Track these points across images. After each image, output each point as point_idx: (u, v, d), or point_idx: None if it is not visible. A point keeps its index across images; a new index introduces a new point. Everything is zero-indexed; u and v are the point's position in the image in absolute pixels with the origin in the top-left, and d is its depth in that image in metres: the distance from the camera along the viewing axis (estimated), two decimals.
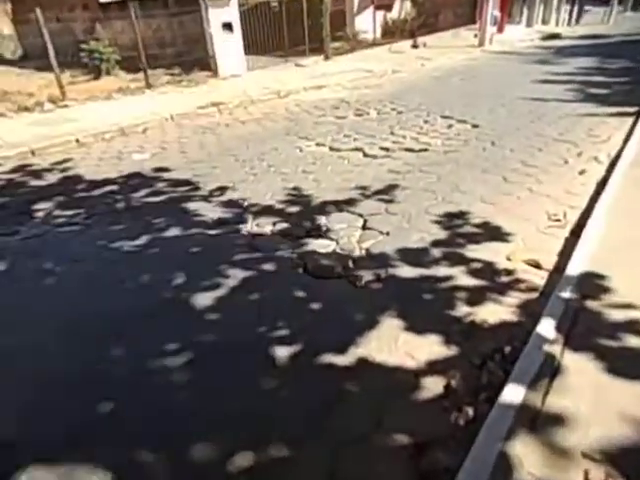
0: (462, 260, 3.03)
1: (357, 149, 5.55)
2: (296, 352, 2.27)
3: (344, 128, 6.56)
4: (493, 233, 3.37)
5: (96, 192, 4.80)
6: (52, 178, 5.37)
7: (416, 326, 2.43)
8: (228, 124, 7.42)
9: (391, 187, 4.33)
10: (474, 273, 2.88)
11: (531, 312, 2.48)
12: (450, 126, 6.28)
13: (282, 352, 2.27)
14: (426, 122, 6.55)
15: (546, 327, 2.20)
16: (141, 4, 13.54)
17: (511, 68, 10.86)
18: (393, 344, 2.32)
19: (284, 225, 3.70)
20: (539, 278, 2.81)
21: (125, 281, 2.95)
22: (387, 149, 5.43)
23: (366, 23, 14.61)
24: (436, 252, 3.14)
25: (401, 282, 2.82)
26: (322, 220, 3.75)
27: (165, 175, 5.17)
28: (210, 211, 4.07)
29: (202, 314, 2.60)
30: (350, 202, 4.05)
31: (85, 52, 11.56)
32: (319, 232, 3.55)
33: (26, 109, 8.37)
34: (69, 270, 3.19)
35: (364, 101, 8.23)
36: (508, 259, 3.02)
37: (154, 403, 2.03)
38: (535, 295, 2.65)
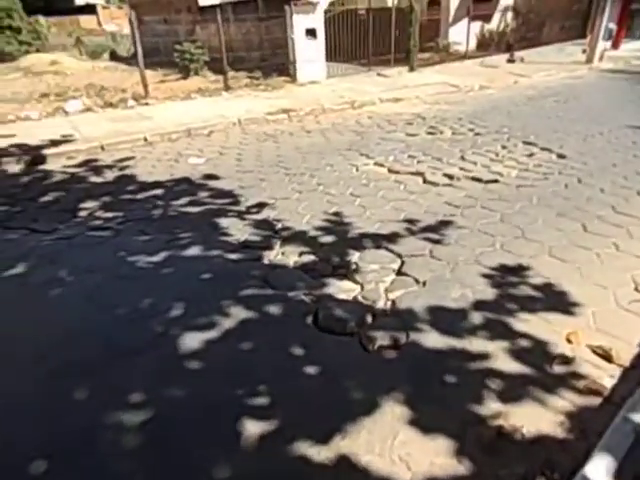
0: (507, 333, 2.45)
1: (418, 173, 5.02)
2: (268, 432, 1.88)
3: (411, 147, 6.03)
4: (555, 301, 2.72)
5: (141, 195, 4.77)
6: (109, 176, 5.47)
7: (424, 421, 1.92)
8: (292, 133, 7.20)
9: (444, 224, 3.77)
10: (518, 354, 2.29)
11: (584, 429, 1.87)
12: (531, 155, 5.50)
13: (252, 429, 1.89)
14: (504, 148, 5.81)
15: (599, 468, 1.59)
16: (235, 8, 13.96)
17: (621, 90, 9.55)
18: (389, 441, 1.84)
19: (310, 257, 3.32)
20: (607, 376, 2.15)
21: (123, 305, 2.75)
22: (451, 176, 4.84)
23: (461, 34, 13.76)
24: (476, 317, 2.58)
25: (422, 353, 2.31)
26: (354, 256, 3.32)
27: (211, 183, 5.02)
28: (239, 231, 3.80)
29: (184, 360, 2.29)
30: (392, 238, 3.57)
31: (178, 52, 12.05)
32: (346, 271, 3.12)
33: (111, 105, 8.81)
34: (76, 282, 3.07)
35: (441, 118, 7.61)
36: (568, 340, 2.38)
37: (89, 472, 1.75)
38: (596, 401, 2.02)
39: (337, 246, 3.48)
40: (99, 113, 8.36)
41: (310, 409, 1.98)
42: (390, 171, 5.17)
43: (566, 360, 2.23)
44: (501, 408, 1.98)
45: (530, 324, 2.51)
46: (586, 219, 3.77)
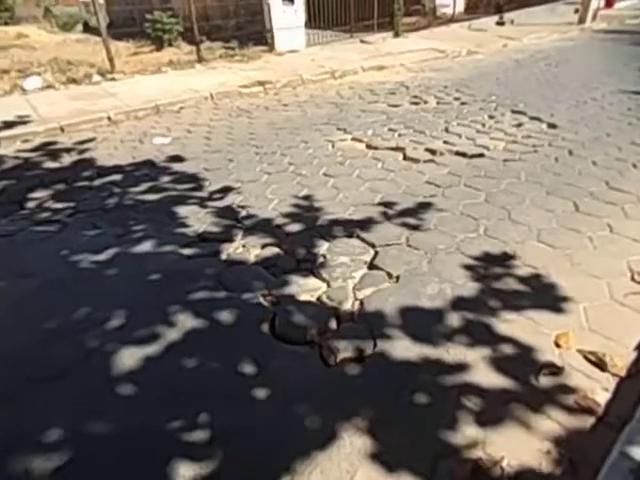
0: (488, 337, 2.15)
1: (398, 148, 4.64)
2: (202, 477, 1.58)
3: (393, 120, 5.62)
4: (543, 296, 2.42)
5: (97, 182, 4.37)
6: (66, 161, 5.04)
7: (388, 455, 1.64)
8: (268, 107, 6.74)
9: (423, 206, 3.43)
10: (500, 364, 2.00)
11: (575, 460, 1.59)
12: (520, 125, 5.13)
13: (185, 473, 1.59)
14: (491, 117, 5.42)
15: None
16: None
17: (615, 52, 9.09)
18: None
19: (273, 250, 2.98)
20: (600, 388, 1.87)
21: (54, 316, 2.41)
22: (434, 151, 4.47)
23: None
24: (454, 318, 2.27)
25: (390, 366, 2.01)
26: (322, 248, 2.98)
27: (175, 166, 4.62)
28: (198, 220, 3.44)
29: (114, 384, 1.98)
30: (365, 224, 3.23)
31: (149, 22, 11.32)
32: (312, 266, 2.79)
33: (74, 81, 8.22)
34: (6, 289, 2.72)
35: (426, 87, 7.16)
36: (557, 344, 2.09)
37: None
38: (589, 422, 1.74)
39: (304, 236, 3.14)
40: (61, 90, 7.79)
41: (255, 445, 1.68)
42: (368, 147, 4.79)
43: (554, 370, 1.95)
44: (479, 434, 1.70)
45: (514, 325, 2.21)
46: (577, 197, 3.44)
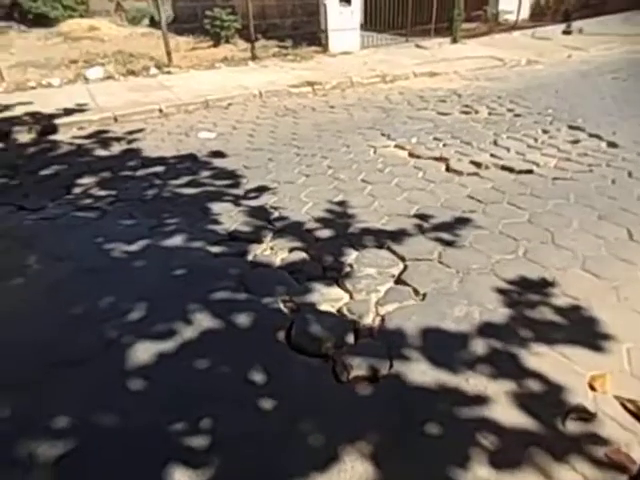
0: (514, 370, 2.00)
1: (442, 159, 4.48)
2: None
3: (440, 128, 5.45)
4: (581, 330, 2.23)
5: (141, 172, 4.50)
6: (115, 149, 5.23)
7: None
8: (314, 108, 6.72)
9: (460, 221, 3.28)
10: (524, 401, 1.85)
11: None
12: (576, 141, 4.82)
13: (180, 478, 1.57)
14: (545, 132, 5.14)
15: None
16: None
17: None
18: None
19: (301, 255, 2.94)
20: (637, 442, 1.69)
21: (80, 303, 2.47)
22: (479, 164, 4.28)
23: (512, 2, 12.56)
24: (480, 345, 2.14)
25: (404, 391, 1.90)
26: (350, 257, 2.91)
27: (216, 162, 4.68)
28: (231, 218, 3.45)
29: (127, 377, 2.00)
30: (398, 236, 3.12)
31: (208, 19, 11.61)
32: (337, 275, 2.72)
33: (133, 73, 8.55)
34: (40, 273, 2.83)
35: (479, 96, 6.91)
36: (591, 387, 1.91)
37: None
38: None
39: (334, 243, 3.08)
40: (120, 81, 8.12)
41: (253, 459, 1.64)
42: (411, 155, 4.65)
43: (585, 415, 1.78)
44: (491, 476, 1.57)
45: (545, 360, 2.05)
46: (633, 224, 3.18)
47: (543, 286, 2.55)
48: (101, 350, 2.15)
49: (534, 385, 1.92)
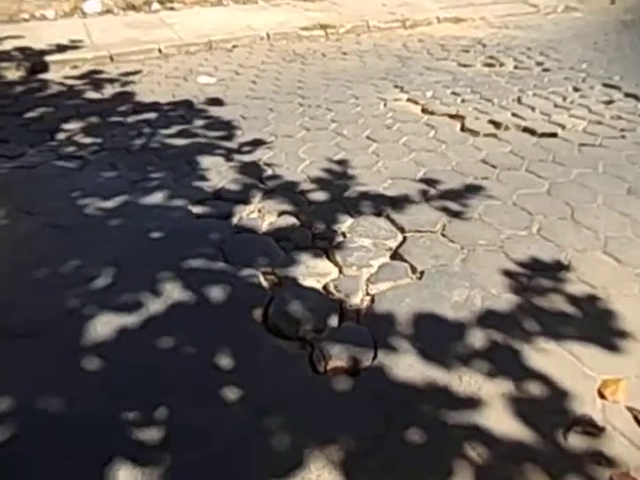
0: (514, 368, 1.77)
1: (457, 116, 4.07)
2: None
3: (459, 82, 4.97)
4: (596, 325, 1.97)
5: (131, 119, 4.18)
6: (107, 92, 4.89)
7: None
8: (325, 54, 6.21)
9: (471, 189, 2.96)
10: (522, 407, 1.63)
11: None
12: (610, 102, 4.34)
13: (124, 479, 1.40)
14: (576, 90, 4.64)
15: None
16: None
17: None
18: None
19: (290, 220, 2.67)
20: None
21: (45, 265, 2.27)
22: (498, 124, 3.87)
23: None
24: (478, 337, 1.90)
25: (386, 387, 1.69)
26: (344, 224, 2.64)
27: (212, 110, 4.34)
28: (219, 174, 3.17)
29: (83, 354, 1.81)
30: (399, 202, 2.82)
31: None
32: (328, 244, 2.46)
33: (133, 7, 7.97)
34: (10, 227, 2.62)
35: (506, 46, 6.30)
36: (601, 394, 1.67)
37: None
38: None
39: (328, 207, 2.80)
40: (119, 16, 7.58)
41: (207, 459, 1.46)
42: (424, 111, 4.24)
43: (591, 428, 1.55)
44: None
45: (551, 359, 1.81)
46: None
47: (556, 269, 2.27)
48: (59, 321, 1.95)
49: (535, 388, 1.69)
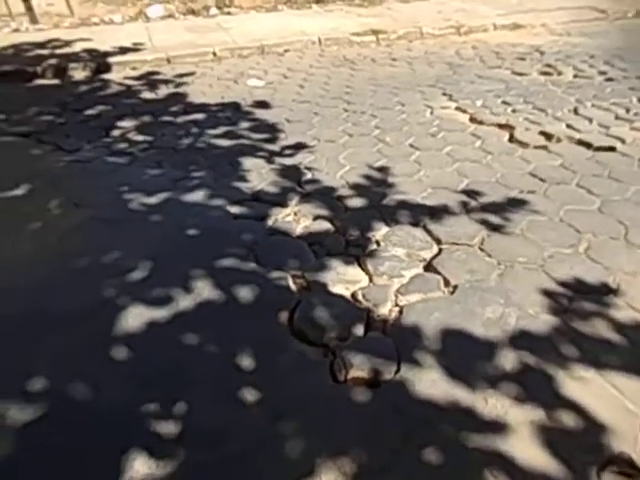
0: (546, 395, 1.66)
1: (507, 126, 3.92)
2: (155, 478, 1.41)
3: (511, 91, 4.80)
4: None
5: (180, 119, 4.33)
6: (161, 92, 5.10)
7: None
8: (375, 60, 6.18)
9: (515, 203, 2.83)
10: (551, 437, 1.52)
11: None
12: None
13: (138, 469, 1.43)
14: None
15: None
16: None
17: None
18: None
19: (324, 225, 2.66)
20: None
21: (87, 255, 2.38)
22: (550, 136, 3.69)
23: None
24: (509, 358, 1.80)
25: (407, 403, 1.63)
26: (379, 232, 2.59)
27: (258, 113, 4.41)
28: (259, 176, 3.21)
29: (112, 343, 1.87)
30: (438, 213, 2.75)
31: None
32: (361, 252, 2.43)
33: (193, 12, 8.29)
34: (59, 218, 2.77)
35: (566, 54, 6.02)
36: None
37: None
38: None
39: (364, 214, 2.76)
40: (179, 21, 7.91)
41: (220, 459, 1.46)
42: (472, 120, 4.12)
43: (628, 469, 1.43)
44: None
45: (589, 388, 1.69)
46: None
47: (603, 293, 2.12)
48: (94, 310, 2.04)
49: (569, 419, 1.58)
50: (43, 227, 2.68)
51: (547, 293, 2.12)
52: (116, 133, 4.06)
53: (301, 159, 3.47)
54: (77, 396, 1.67)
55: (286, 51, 6.61)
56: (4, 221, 2.76)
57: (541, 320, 1.98)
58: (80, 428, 1.56)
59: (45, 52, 6.24)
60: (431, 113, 4.30)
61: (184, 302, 2.07)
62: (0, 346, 1.88)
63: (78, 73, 5.77)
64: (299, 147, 3.67)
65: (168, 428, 1.54)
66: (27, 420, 1.58)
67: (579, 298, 2.09)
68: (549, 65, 5.57)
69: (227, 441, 1.51)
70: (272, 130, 4.02)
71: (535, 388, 1.69)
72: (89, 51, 6.33)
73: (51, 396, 1.66)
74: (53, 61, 5.85)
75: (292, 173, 3.26)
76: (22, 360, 1.81)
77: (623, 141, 3.57)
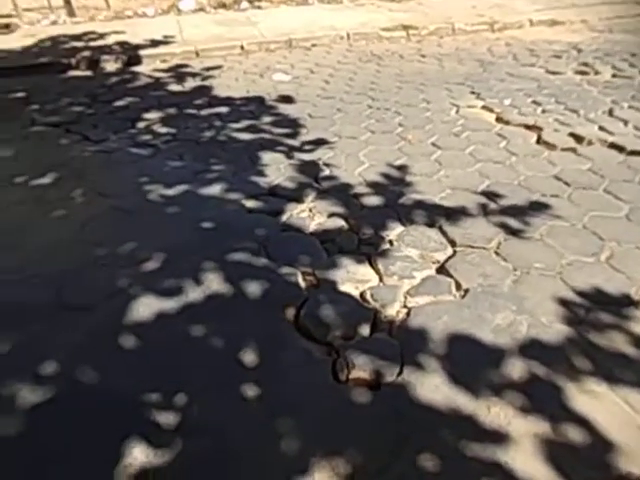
0: (553, 408, 1.61)
1: (534, 127, 3.80)
2: (153, 466, 1.44)
3: (544, 89, 4.64)
4: None
5: (205, 112, 4.39)
6: (188, 85, 5.17)
7: None
8: (403, 56, 6.09)
9: (536, 207, 2.74)
10: (556, 452, 1.47)
11: None
12: None
13: (136, 456, 1.46)
14: None
15: None
16: None
17: None
18: None
19: (338, 223, 2.65)
20: None
21: (105, 245, 2.45)
22: (580, 138, 3.56)
23: None
24: (517, 367, 1.75)
25: (406, 406, 1.61)
26: (394, 231, 2.56)
27: (282, 107, 4.42)
28: (277, 171, 3.22)
29: (122, 332, 1.92)
30: (455, 214, 2.69)
31: None
32: (373, 251, 2.41)
33: (224, 6, 8.35)
34: (82, 206, 2.86)
35: (605, 52, 5.78)
36: None
37: None
38: None
39: (379, 212, 2.73)
40: (210, 14, 7.98)
41: (216, 452, 1.48)
42: (498, 119, 4.01)
43: None
44: None
45: (600, 404, 1.62)
46: None
47: (622, 305, 2.04)
48: (107, 298, 2.09)
49: (575, 433, 1.53)
50: (66, 215, 2.77)
51: (563, 302, 2.05)
52: (141, 125, 4.14)
53: (320, 155, 3.46)
54: (85, 382, 1.71)
55: (314, 45, 6.59)
56: (31, 208, 2.86)
57: (554, 330, 1.91)
58: (85, 413, 1.61)
59: (80, 44, 6.42)
60: (457, 112, 4.21)
61: (193, 294, 2.10)
62: (16, 330, 1.94)
63: (110, 65, 5.90)
64: (319, 143, 3.66)
65: (167, 419, 1.57)
66: (36, 402, 1.64)
67: (597, 309, 2.02)
68: (586, 64, 5.36)
69: (224, 435, 1.53)
70: (294, 125, 4.02)
71: (542, 399, 1.64)
72: (121, 44, 6.47)
73: (60, 381, 1.72)
74: (87, 53, 6.01)
75: (310, 169, 3.25)
76: (36, 345, 1.87)
77: None
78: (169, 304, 2.04)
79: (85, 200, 2.92)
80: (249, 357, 1.80)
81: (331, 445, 1.49)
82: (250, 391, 1.67)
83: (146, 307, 2.03)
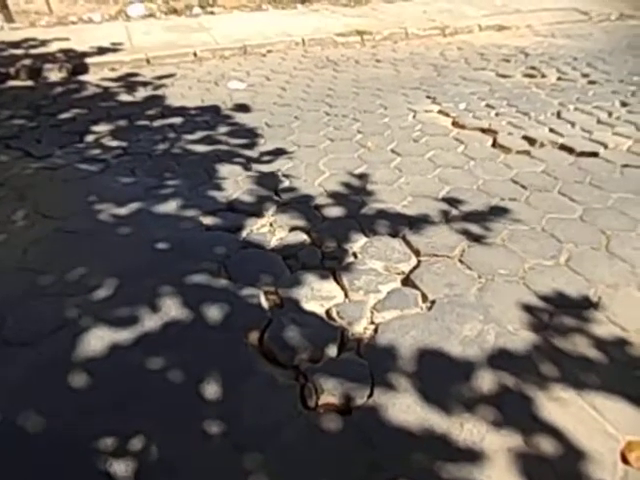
0: (524, 419, 1.59)
1: (489, 131, 3.87)
2: None
3: (495, 93, 4.76)
4: (626, 375, 1.76)
5: (157, 123, 4.22)
6: (139, 95, 4.97)
7: None
8: (358, 61, 6.11)
9: (496, 211, 2.77)
10: (529, 466, 1.46)
11: None
12: None
13: None
14: (624, 105, 4.33)
15: None
16: None
17: None
18: None
19: (300, 237, 2.57)
20: None
21: (51, 272, 2.27)
22: (533, 141, 3.64)
23: None
24: (486, 379, 1.73)
25: (378, 430, 1.55)
26: (357, 243, 2.52)
27: (238, 117, 4.31)
28: (235, 185, 3.11)
29: (71, 369, 1.77)
30: (418, 223, 2.68)
31: None
32: (337, 265, 2.35)
33: (175, 11, 8.14)
34: (25, 229, 2.65)
35: (550, 56, 6.00)
36: (624, 458, 1.48)
37: None
38: None
39: (341, 224, 2.68)
40: (160, 20, 7.76)
41: None
42: (454, 124, 4.06)
43: None
44: None
45: (568, 411, 1.62)
46: None
47: (583, 307, 2.07)
48: (54, 331, 1.93)
49: (547, 444, 1.52)
50: (6, 240, 2.56)
51: (527, 308, 2.06)
52: (90, 138, 3.93)
53: (279, 166, 3.38)
54: (29, 426, 1.56)
55: (269, 52, 6.51)
56: None
57: (520, 337, 1.91)
58: (29, 462, 1.46)
59: (19, 52, 6.07)
60: (414, 117, 4.24)
61: (149, 322, 1.97)
62: None
63: (53, 74, 5.61)
64: (278, 153, 3.58)
65: (120, 468, 1.44)
66: None
67: (559, 313, 2.04)
68: (533, 67, 5.54)
69: (187, 477, 1.42)
70: (251, 135, 3.93)
71: (513, 411, 1.62)
72: (65, 51, 6.16)
73: (1, 426, 1.55)
74: (27, 62, 5.69)
75: (269, 181, 3.17)
76: None
77: (606, 146, 3.54)
78: (123, 335, 1.91)
79: (27, 223, 2.71)
80: (211, 389, 1.70)
81: (300, 478, 1.41)
82: (214, 426, 1.57)
83: (98, 340, 1.89)
